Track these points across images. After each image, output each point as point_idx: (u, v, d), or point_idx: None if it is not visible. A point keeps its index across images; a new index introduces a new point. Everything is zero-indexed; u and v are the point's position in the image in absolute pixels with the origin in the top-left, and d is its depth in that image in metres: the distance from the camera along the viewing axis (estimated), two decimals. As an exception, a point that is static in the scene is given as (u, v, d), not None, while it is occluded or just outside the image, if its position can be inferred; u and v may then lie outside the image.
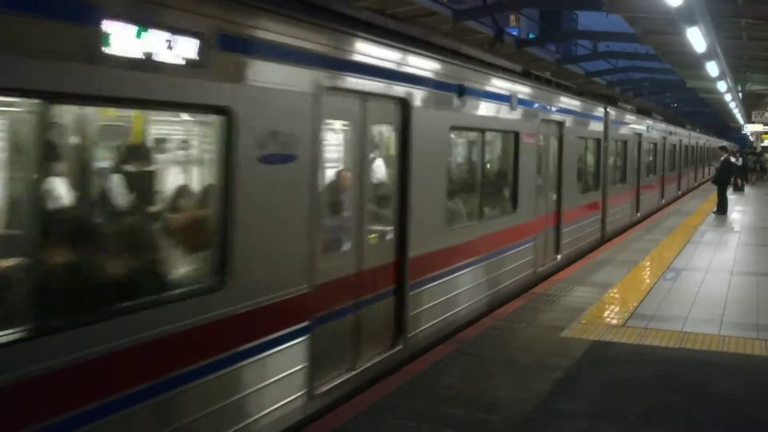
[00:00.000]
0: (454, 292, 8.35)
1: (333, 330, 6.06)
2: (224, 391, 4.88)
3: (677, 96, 40.56)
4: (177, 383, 4.49)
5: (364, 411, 5.77)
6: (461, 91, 8.32)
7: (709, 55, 14.80)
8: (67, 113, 4.01)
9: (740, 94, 28.49)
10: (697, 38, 12.59)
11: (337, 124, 6.38)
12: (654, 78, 32.41)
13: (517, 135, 10.34)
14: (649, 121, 21.92)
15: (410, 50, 7.33)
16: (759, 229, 18.60)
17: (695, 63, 17.57)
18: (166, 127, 5.09)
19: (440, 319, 7.97)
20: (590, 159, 15.24)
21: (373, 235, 6.79)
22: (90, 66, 3.88)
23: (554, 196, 12.24)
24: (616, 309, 9.36)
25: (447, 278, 8.13)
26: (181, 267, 4.91)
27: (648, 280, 11.28)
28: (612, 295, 10.24)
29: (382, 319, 6.88)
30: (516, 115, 10.24)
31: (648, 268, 12.39)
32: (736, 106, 33.58)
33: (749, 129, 43.61)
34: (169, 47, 4.35)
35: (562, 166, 12.51)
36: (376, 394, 6.15)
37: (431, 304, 7.73)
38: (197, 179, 5.19)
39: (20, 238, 3.83)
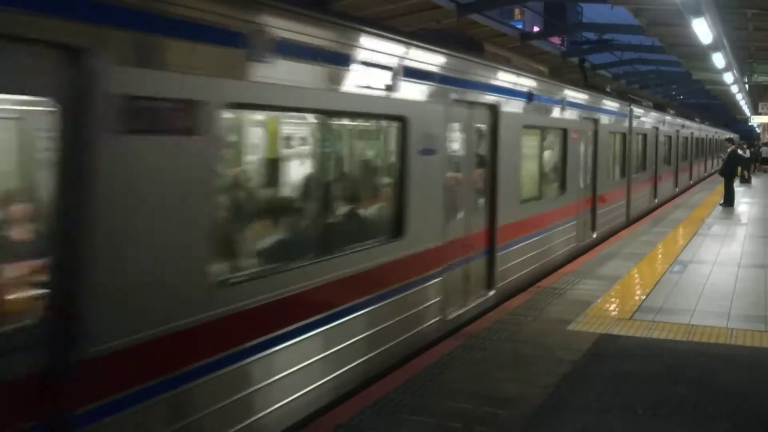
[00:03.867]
0: (527, 255, 10.52)
1: (454, 275, 8.09)
2: (410, 305, 7.11)
3: (683, 88, 40.39)
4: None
5: (370, 405, 5.75)
6: (530, 97, 10.47)
7: (715, 47, 14.73)
8: None
9: (746, 86, 28.37)
10: (702, 29, 12.53)
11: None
12: (660, 70, 32.30)
13: (565, 131, 12.48)
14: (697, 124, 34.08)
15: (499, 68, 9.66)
16: (767, 221, 18.51)
17: (701, 54, 17.50)
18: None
19: (517, 275, 10.08)
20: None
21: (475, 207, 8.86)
22: None
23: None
24: (623, 302, 9.33)
25: (522, 244, 10.30)
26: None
27: (655, 273, 11.24)
28: (619, 288, 10.20)
29: (482, 270, 8.97)
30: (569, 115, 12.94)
31: (655, 261, 12.35)
32: (743, 98, 33.44)
33: (756, 120, 43.45)
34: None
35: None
36: (382, 388, 6.14)
37: (510, 264, 9.83)
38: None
39: None
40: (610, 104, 15.69)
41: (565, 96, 12.19)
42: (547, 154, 11.89)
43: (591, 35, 26.26)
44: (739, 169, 27.08)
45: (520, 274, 10.20)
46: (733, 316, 8.66)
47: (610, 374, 6.61)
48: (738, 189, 24.51)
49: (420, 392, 6.07)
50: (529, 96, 10.36)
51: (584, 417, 5.65)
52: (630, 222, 17.90)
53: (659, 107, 24.15)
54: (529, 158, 10.83)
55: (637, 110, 18.32)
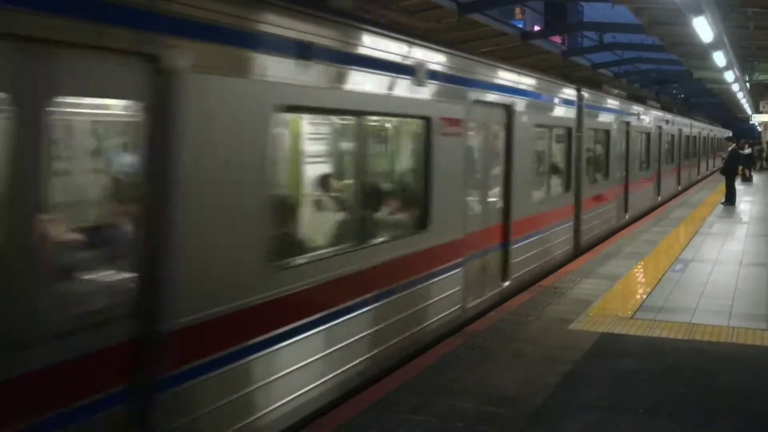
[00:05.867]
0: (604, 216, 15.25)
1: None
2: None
3: (684, 87, 40.37)
4: None
5: (372, 405, 5.76)
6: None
7: (715, 45, 14.70)
8: None
9: (747, 85, 28.34)
10: (703, 28, 12.51)
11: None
12: (661, 69, 32.28)
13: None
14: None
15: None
16: (768, 220, 18.52)
17: (702, 53, 17.47)
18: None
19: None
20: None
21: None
22: None
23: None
24: (625, 301, 9.33)
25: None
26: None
27: (656, 272, 11.25)
28: (620, 287, 10.21)
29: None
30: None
31: (656, 260, 12.35)
32: (744, 97, 33.42)
33: (757, 119, 43.42)
34: None
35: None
36: (383, 388, 6.15)
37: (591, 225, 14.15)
38: None
39: None
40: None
41: None
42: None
43: (592, 34, 26.27)
44: (740, 168, 27.04)
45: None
46: (734, 315, 8.66)
47: (612, 373, 6.61)
48: (739, 188, 24.50)
49: (421, 391, 6.08)
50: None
51: (586, 416, 5.65)
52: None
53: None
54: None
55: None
